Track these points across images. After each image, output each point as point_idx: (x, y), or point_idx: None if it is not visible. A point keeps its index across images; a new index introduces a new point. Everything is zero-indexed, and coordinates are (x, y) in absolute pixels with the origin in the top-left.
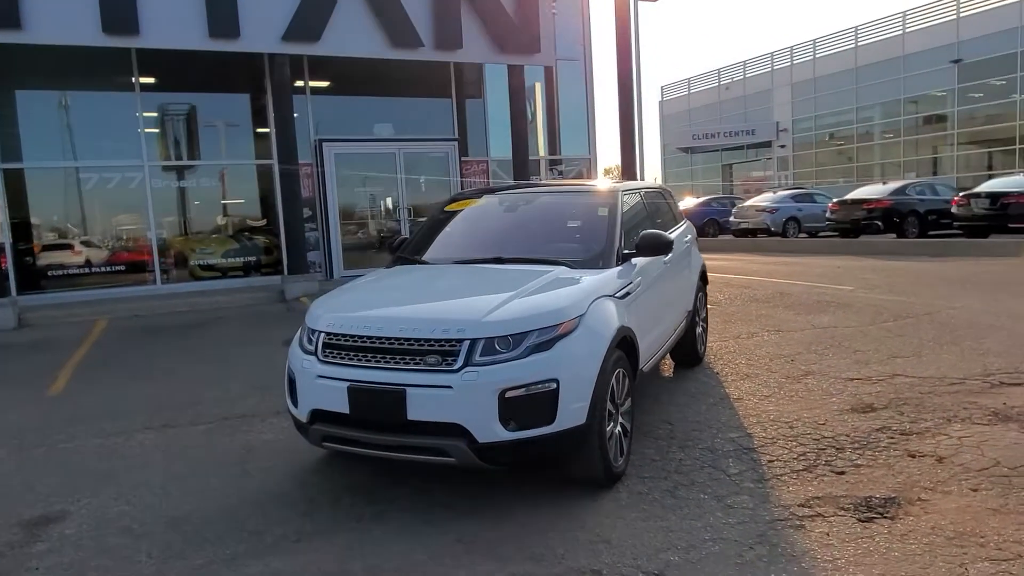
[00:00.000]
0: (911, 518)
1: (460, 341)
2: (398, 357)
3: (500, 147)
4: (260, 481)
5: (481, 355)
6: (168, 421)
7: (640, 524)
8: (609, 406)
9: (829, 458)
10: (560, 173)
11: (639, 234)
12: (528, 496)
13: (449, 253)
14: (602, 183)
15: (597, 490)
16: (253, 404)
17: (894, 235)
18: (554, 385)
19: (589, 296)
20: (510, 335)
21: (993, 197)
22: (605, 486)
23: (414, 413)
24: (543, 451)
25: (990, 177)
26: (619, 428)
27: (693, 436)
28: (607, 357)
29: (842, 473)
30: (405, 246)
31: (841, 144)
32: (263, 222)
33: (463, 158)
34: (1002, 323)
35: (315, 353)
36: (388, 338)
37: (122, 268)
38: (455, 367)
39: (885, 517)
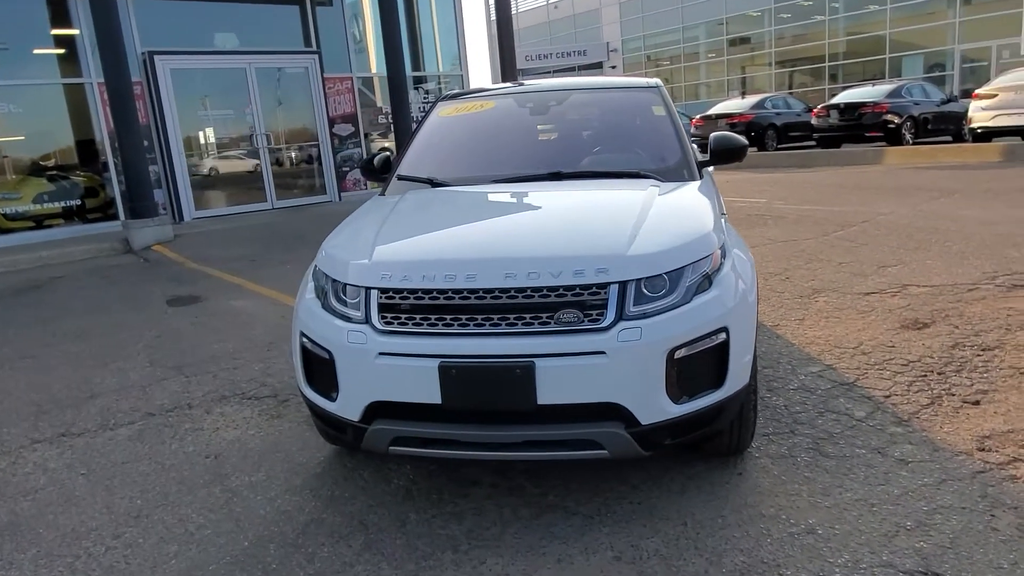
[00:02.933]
0: None
1: (605, 286)
2: (513, 316)
3: (365, 63)
4: (264, 506)
5: (636, 303)
6: (65, 427)
7: (827, 502)
8: None
9: (943, 386)
10: (387, 115)
11: (710, 137)
12: (650, 480)
13: (478, 170)
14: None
15: (732, 460)
16: (178, 390)
17: (755, 148)
18: (724, 336)
19: (716, 216)
20: (665, 273)
21: (850, 108)
22: (735, 454)
23: (547, 394)
24: (708, 425)
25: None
26: None
27: (770, 375)
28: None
29: (977, 403)
30: (398, 164)
31: (669, 64)
32: (83, 157)
33: (325, 75)
34: (945, 226)
35: (368, 320)
36: (489, 289)
37: None
38: (603, 323)
39: None
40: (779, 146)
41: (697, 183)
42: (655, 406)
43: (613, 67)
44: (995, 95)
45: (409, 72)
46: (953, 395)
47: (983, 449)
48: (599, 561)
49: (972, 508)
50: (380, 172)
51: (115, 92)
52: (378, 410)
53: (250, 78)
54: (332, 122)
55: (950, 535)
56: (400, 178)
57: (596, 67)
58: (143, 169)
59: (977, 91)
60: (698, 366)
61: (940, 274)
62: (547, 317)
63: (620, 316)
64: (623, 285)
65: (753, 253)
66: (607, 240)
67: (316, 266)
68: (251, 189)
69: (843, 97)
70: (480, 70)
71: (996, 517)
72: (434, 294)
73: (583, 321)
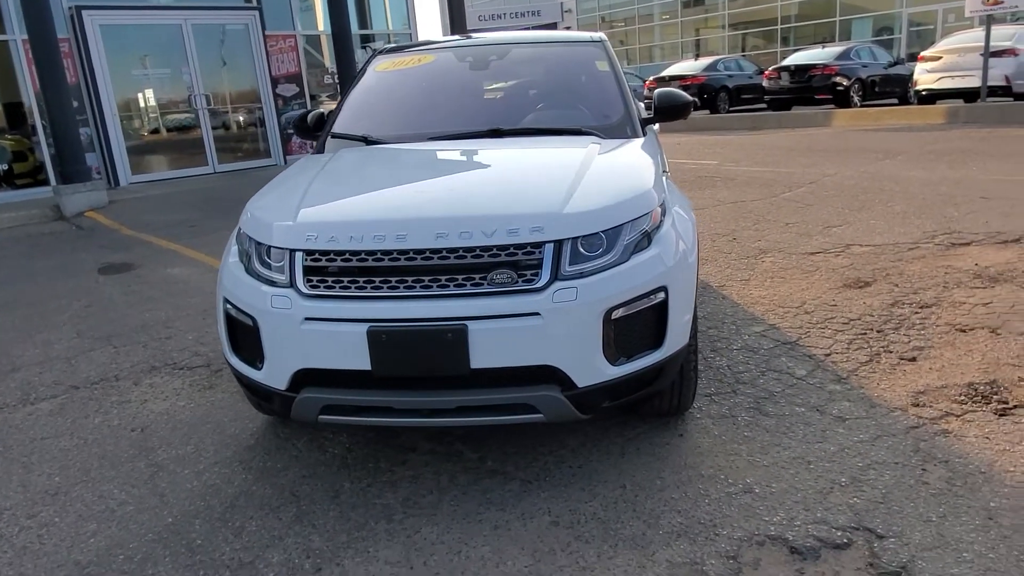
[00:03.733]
0: None
1: (540, 245)
2: (445, 278)
3: (311, 21)
4: (191, 480)
5: (572, 263)
6: None
7: (765, 461)
8: None
9: (881, 344)
10: (333, 75)
11: (655, 94)
12: (589, 443)
13: (414, 127)
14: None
15: (673, 421)
16: (105, 361)
17: (707, 111)
18: (663, 296)
19: (658, 172)
20: (602, 231)
21: (800, 70)
22: (675, 414)
23: (481, 358)
24: (647, 386)
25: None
26: None
27: (714, 336)
28: (697, 247)
29: (914, 360)
30: (331, 121)
31: (624, 26)
32: (10, 120)
33: (266, 33)
34: (889, 187)
35: (293, 283)
36: (419, 250)
37: None
38: (538, 284)
39: (1015, 406)
40: (731, 108)
41: (640, 140)
42: (592, 368)
43: (568, 28)
44: (939, 58)
45: (356, 30)
46: (891, 352)
47: (917, 405)
48: (536, 527)
49: (905, 463)
50: (314, 130)
51: (40, 50)
52: (306, 378)
53: (186, 35)
54: (276, 82)
55: (883, 490)
56: (334, 136)
57: (551, 27)
58: (73, 132)
59: (922, 53)
60: (636, 326)
61: (882, 233)
62: (480, 278)
63: (555, 276)
64: (558, 244)
65: (702, 214)
66: (543, 198)
67: (240, 228)
68: (191, 153)
69: (793, 59)
70: (431, 28)
71: (927, 471)
72: (362, 255)
73: (517, 282)
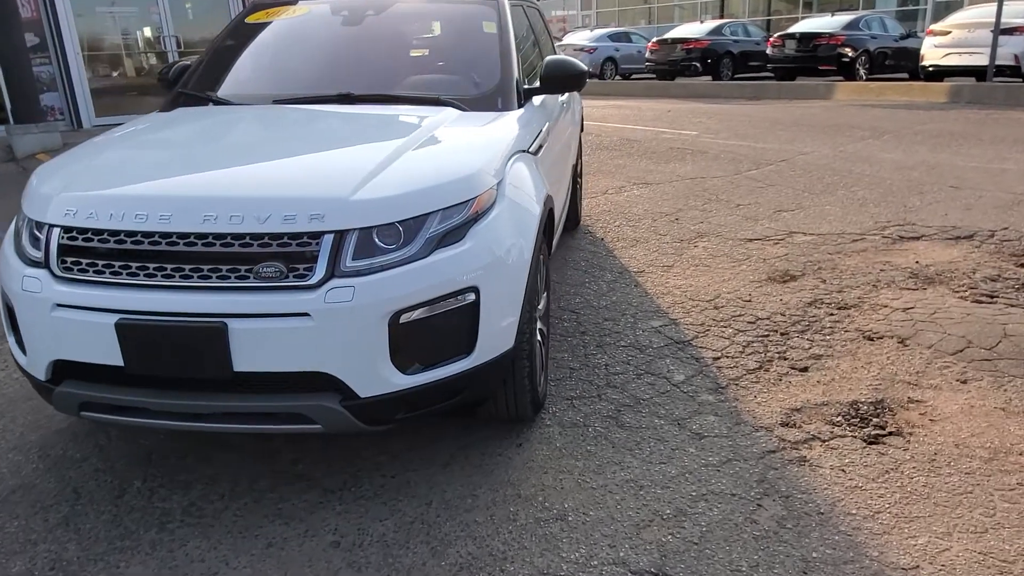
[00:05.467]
0: (919, 430)
1: (319, 235)
2: (208, 268)
3: None
4: None
5: (355, 257)
6: None
7: (595, 482)
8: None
9: (779, 348)
10: None
11: (541, 63)
12: (415, 450)
13: (264, 87)
14: None
15: (518, 428)
16: None
17: (709, 77)
18: (472, 296)
19: (503, 152)
20: (399, 221)
21: (806, 38)
22: (528, 419)
23: (244, 361)
24: (456, 396)
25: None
26: (539, 337)
27: (608, 329)
28: (537, 243)
29: (805, 370)
30: (189, 76)
31: None
32: None
33: None
34: (860, 169)
35: (46, 264)
36: (183, 234)
37: None
38: (312, 279)
39: (890, 433)
40: (736, 76)
41: (511, 114)
42: (376, 377)
43: None
44: (948, 32)
45: None
46: (785, 359)
47: (787, 424)
48: (313, 547)
49: (742, 496)
50: (172, 85)
51: None
52: (67, 369)
53: None
54: None
55: (704, 528)
56: (182, 94)
57: None
58: (25, 69)
59: (931, 27)
60: (435, 331)
61: (833, 221)
62: (246, 271)
63: (332, 273)
64: (340, 235)
65: (655, 191)
66: (333, 181)
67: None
68: (159, 95)
69: (800, 27)
70: None
71: (762, 508)
72: (121, 236)
73: (287, 277)
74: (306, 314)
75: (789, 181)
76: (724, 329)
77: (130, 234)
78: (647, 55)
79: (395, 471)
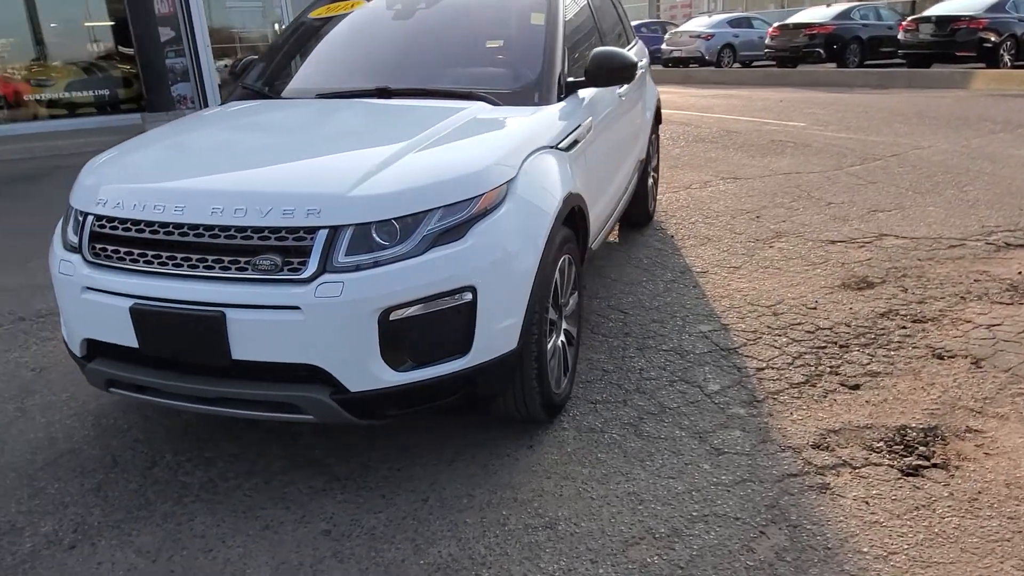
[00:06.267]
0: (968, 464)
1: (314, 230)
2: (212, 259)
3: None
4: (37, 429)
5: (348, 252)
6: None
7: (596, 492)
8: (551, 313)
9: (834, 362)
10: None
11: (589, 55)
12: (425, 444)
13: (312, 81)
14: None
15: (532, 429)
16: None
17: (834, 64)
18: (469, 296)
19: (520, 148)
20: (395, 218)
21: (941, 22)
22: (543, 421)
23: (242, 350)
24: (452, 395)
25: None
26: (563, 338)
27: (654, 331)
28: (549, 243)
29: (856, 388)
30: (251, 71)
31: None
32: (120, 47)
33: None
34: (979, 167)
35: (80, 249)
36: (193, 225)
37: None
38: (304, 274)
39: (934, 465)
40: (864, 63)
41: (548, 108)
42: (365, 372)
43: None
44: None
45: None
46: (836, 374)
47: (818, 446)
48: (305, 534)
49: (747, 521)
50: (238, 79)
51: None
52: (97, 348)
53: None
54: None
55: (694, 553)
56: (244, 87)
57: None
58: (158, 60)
59: None
60: (429, 329)
61: (932, 224)
62: (245, 262)
63: (324, 267)
64: (334, 230)
65: (743, 186)
66: (333, 176)
67: None
68: None
69: (936, 9)
70: None
71: (764, 536)
72: (141, 226)
73: (282, 270)
74: (297, 307)
75: (894, 178)
76: (777, 338)
77: (148, 224)
78: (767, 41)
79: (403, 464)
